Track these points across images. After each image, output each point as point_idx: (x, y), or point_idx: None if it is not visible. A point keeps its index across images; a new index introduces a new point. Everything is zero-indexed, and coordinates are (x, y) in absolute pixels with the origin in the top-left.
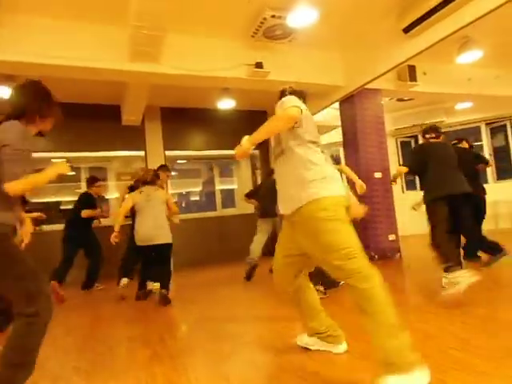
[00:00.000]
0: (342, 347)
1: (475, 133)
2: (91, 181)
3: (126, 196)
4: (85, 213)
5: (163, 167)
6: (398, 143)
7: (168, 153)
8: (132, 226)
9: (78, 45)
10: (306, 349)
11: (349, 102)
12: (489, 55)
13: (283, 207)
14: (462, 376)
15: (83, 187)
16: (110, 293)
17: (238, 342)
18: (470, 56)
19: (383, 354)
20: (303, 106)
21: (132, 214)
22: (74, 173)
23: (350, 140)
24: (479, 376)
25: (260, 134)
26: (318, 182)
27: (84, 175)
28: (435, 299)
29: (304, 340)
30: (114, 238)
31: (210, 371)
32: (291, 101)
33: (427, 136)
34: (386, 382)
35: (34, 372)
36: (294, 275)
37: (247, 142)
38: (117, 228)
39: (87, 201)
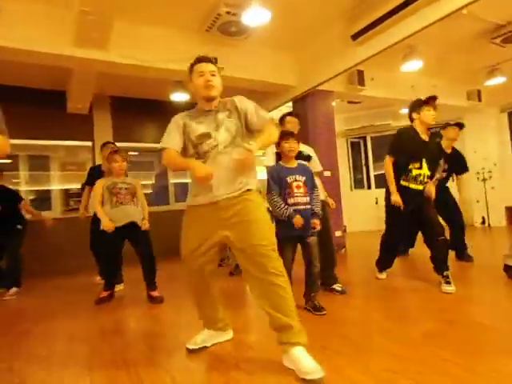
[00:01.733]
0: (231, 333)
1: None
2: None
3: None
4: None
5: None
6: (349, 143)
7: (118, 144)
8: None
9: (19, 26)
10: (204, 347)
11: (301, 102)
12: (428, 65)
13: (222, 191)
14: (381, 359)
15: (22, 176)
16: (53, 290)
17: (181, 334)
18: (412, 65)
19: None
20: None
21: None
22: (10, 161)
23: (301, 139)
24: (395, 358)
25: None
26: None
27: (22, 164)
28: (366, 290)
29: (199, 339)
30: None
31: (151, 364)
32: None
33: None
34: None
35: None
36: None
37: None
38: None
39: None
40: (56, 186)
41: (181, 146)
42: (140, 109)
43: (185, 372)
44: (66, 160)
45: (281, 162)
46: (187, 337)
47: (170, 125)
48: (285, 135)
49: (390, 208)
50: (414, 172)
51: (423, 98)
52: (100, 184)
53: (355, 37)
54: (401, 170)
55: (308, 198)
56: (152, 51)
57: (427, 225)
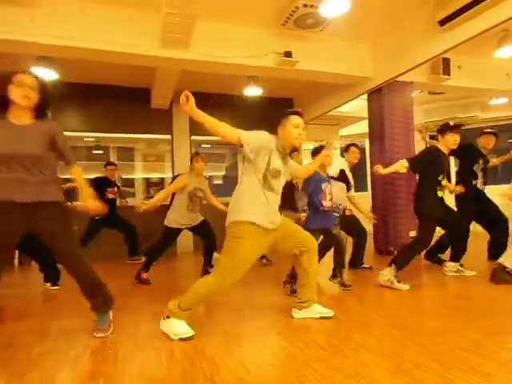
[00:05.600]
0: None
1: (511, 130)
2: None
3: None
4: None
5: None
6: (428, 137)
7: (194, 137)
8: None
9: (110, 29)
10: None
11: (377, 94)
12: None
13: (276, 220)
14: (467, 376)
15: None
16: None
17: (253, 326)
18: (509, 50)
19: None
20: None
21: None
22: (102, 151)
23: (376, 133)
24: (484, 377)
25: None
26: None
27: (112, 155)
28: (451, 298)
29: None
30: None
31: (226, 352)
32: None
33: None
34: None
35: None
36: None
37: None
38: None
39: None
40: (139, 175)
41: (252, 147)
42: (215, 103)
43: (257, 365)
44: (147, 152)
45: (318, 170)
46: (258, 327)
47: (260, 134)
48: (321, 149)
49: (425, 220)
50: (443, 182)
51: (451, 123)
52: (182, 182)
53: (443, 22)
54: (433, 183)
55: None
56: (229, 48)
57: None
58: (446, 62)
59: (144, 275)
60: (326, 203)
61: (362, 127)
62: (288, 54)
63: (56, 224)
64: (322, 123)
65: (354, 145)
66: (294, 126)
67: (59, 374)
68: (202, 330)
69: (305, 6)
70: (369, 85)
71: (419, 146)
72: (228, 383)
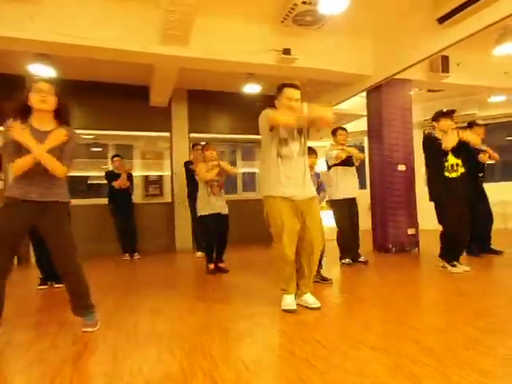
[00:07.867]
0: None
1: (509, 127)
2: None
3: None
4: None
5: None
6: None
7: (192, 135)
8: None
9: (109, 27)
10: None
11: (376, 92)
12: None
13: (300, 193)
14: (465, 373)
15: (110, 163)
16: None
17: (252, 323)
18: (508, 48)
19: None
20: None
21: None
22: (101, 149)
23: (375, 131)
24: (483, 374)
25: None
26: None
27: (111, 152)
28: (449, 296)
29: (290, 301)
30: None
31: (225, 349)
32: None
33: None
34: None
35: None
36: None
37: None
38: None
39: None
40: (138, 173)
41: None
42: (214, 101)
43: (257, 362)
44: (146, 149)
45: None
46: (257, 323)
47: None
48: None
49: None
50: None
51: (444, 110)
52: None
53: (442, 20)
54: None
55: None
56: (229, 45)
57: None
58: (445, 60)
59: (210, 266)
60: None
61: (361, 125)
62: (287, 52)
63: (56, 220)
64: None
65: (342, 128)
66: (287, 98)
67: (59, 371)
68: (201, 327)
69: (303, 3)
70: (368, 82)
71: (418, 144)
72: (227, 380)
